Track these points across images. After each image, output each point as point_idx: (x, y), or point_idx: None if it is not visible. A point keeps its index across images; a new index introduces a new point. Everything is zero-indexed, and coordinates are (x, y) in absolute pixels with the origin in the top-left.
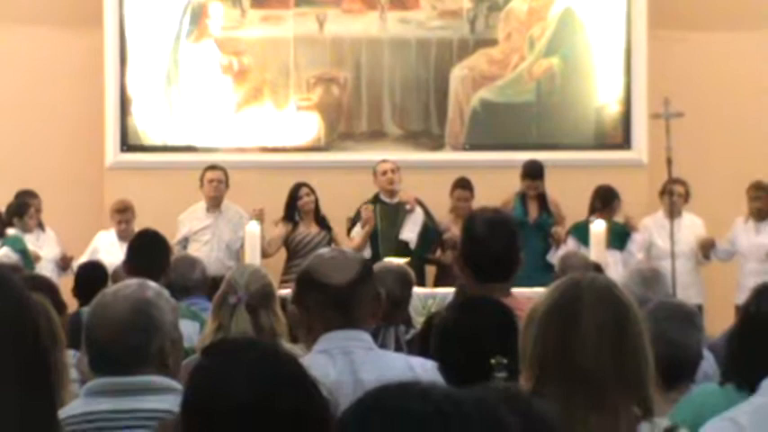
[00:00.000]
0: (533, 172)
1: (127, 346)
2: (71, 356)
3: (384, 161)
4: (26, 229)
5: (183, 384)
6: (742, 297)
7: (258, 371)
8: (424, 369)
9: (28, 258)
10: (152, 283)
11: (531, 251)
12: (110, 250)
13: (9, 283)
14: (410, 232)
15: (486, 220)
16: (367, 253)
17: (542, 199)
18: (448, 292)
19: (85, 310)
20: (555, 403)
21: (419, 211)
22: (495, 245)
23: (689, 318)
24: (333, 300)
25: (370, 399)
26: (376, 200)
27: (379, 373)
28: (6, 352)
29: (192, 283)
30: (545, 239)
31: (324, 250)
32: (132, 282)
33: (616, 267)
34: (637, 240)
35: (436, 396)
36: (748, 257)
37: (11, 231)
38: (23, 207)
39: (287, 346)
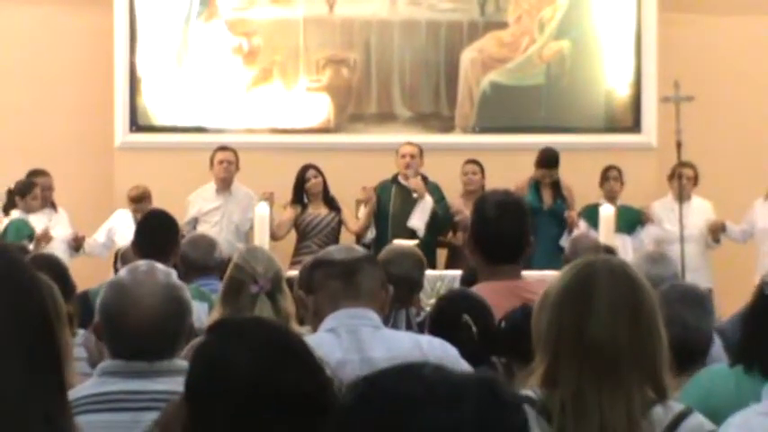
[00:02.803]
0: (549, 161)
1: (166, 334)
2: (80, 335)
3: (408, 143)
4: (29, 210)
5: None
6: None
7: (262, 350)
8: (432, 346)
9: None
10: (160, 265)
11: (546, 237)
12: (126, 231)
13: (17, 263)
14: (418, 220)
15: (497, 201)
16: (372, 233)
17: (556, 185)
18: (456, 274)
19: (94, 290)
20: (568, 383)
21: (428, 200)
22: (505, 226)
23: (701, 301)
24: (338, 272)
25: (366, 383)
26: (394, 181)
27: (388, 350)
28: (15, 332)
29: (213, 263)
30: (559, 225)
31: (332, 246)
32: (141, 264)
33: (625, 252)
34: (650, 232)
35: (433, 378)
36: (766, 237)
37: (15, 213)
38: (27, 187)
39: (295, 327)
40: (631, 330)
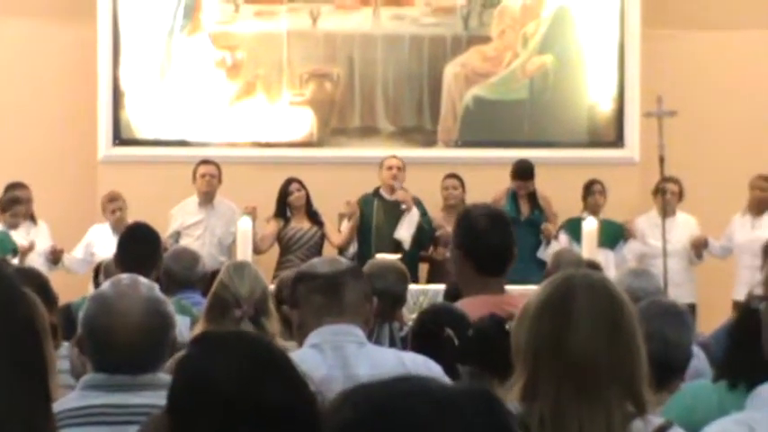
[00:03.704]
0: (523, 173)
1: (149, 348)
2: (64, 348)
3: (393, 157)
4: (11, 226)
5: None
6: (739, 292)
7: (244, 363)
8: (415, 363)
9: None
10: (143, 278)
11: (523, 248)
12: (105, 244)
13: (2, 275)
14: (405, 232)
15: (485, 213)
16: (354, 247)
17: (533, 196)
18: (439, 288)
19: (76, 303)
20: (547, 397)
21: (415, 212)
22: (496, 237)
23: (680, 316)
24: (321, 285)
25: (366, 398)
26: (375, 195)
27: (372, 367)
28: (1, 344)
29: (195, 277)
30: (536, 236)
31: (316, 258)
32: (124, 277)
33: (607, 267)
34: (632, 248)
35: (425, 391)
36: (743, 252)
37: None
38: (9, 204)
39: (280, 341)
40: (611, 345)
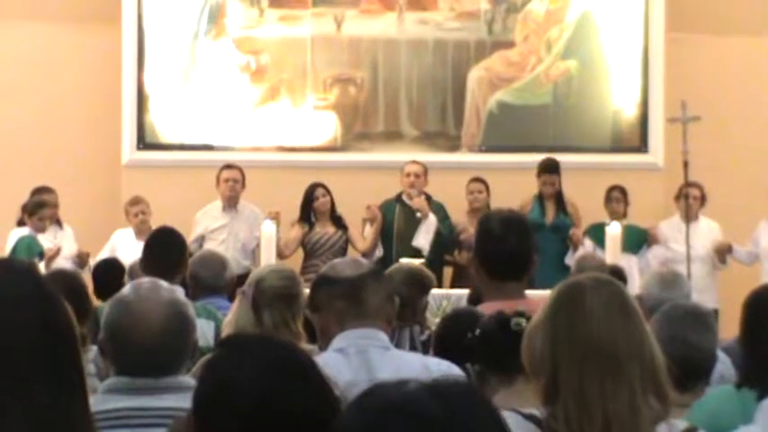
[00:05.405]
0: (549, 167)
1: (170, 351)
2: (92, 351)
3: (414, 162)
4: (37, 230)
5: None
6: None
7: (268, 367)
8: (440, 368)
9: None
10: (164, 282)
11: (550, 253)
12: (128, 248)
13: (43, 283)
14: (423, 240)
15: (501, 218)
16: (379, 251)
17: (559, 199)
18: (462, 293)
19: (103, 307)
20: (570, 384)
21: (432, 219)
22: (511, 242)
23: (703, 319)
24: (343, 291)
25: (371, 400)
26: (398, 200)
27: (396, 372)
28: (45, 350)
29: (223, 283)
30: (563, 241)
31: (337, 260)
32: (145, 281)
33: (631, 272)
34: (656, 253)
35: (435, 387)
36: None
37: (24, 231)
38: (36, 208)
39: (303, 345)
40: (624, 326)
